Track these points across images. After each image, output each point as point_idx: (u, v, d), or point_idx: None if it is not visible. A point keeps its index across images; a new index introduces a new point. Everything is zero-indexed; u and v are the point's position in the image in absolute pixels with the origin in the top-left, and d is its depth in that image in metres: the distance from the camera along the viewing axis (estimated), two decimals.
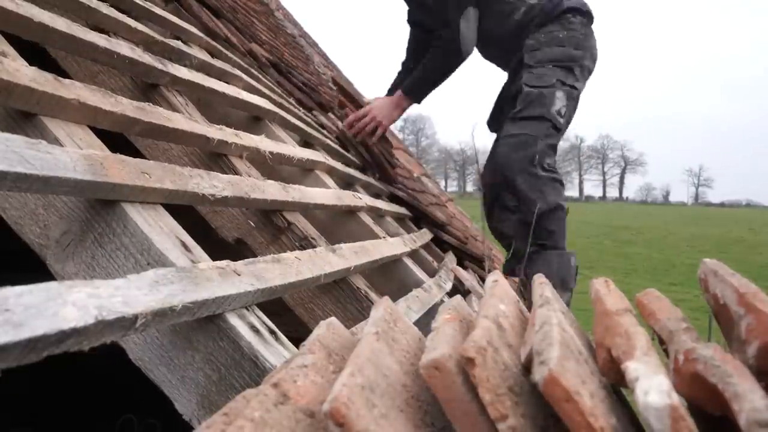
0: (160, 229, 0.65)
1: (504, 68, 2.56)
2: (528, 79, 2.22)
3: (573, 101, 2.24)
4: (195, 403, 0.60)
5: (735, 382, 0.31)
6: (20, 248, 0.72)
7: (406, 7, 2.60)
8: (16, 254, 1.05)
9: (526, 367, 0.39)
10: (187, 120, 0.96)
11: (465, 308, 0.57)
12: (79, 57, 1.00)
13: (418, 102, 2.48)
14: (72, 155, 0.58)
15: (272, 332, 0.66)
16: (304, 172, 1.48)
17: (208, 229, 1.07)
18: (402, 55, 2.80)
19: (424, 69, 2.39)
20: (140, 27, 1.19)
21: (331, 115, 2.59)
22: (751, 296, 0.38)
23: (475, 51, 2.46)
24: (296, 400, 0.38)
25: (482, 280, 2.09)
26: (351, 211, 1.47)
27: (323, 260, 0.89)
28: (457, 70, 2.41)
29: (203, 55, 1.47)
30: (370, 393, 0.37)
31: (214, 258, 0.67)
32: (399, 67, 2.76)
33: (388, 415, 0.37)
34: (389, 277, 1.38)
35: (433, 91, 2.47)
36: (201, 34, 1.65)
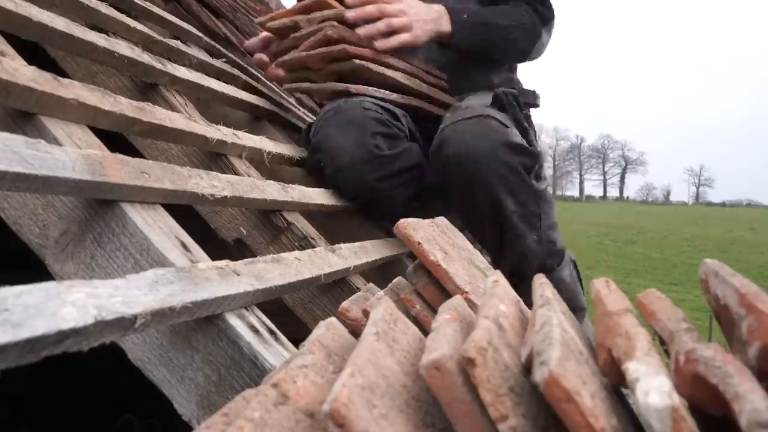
0: (160, 229, 0.65)
1: None
2: None
3: None
4: (194, 404, 0.60)
5: (736, 383, 0.31)
6: (19, 248, 0.72)
7: None
8: (14, 254, 1.05)
9: (527, 368, 0.39)
10: (186, 120, 0.96)
11: (465, 308, 0.57)
12: (78, 57, 1.00)
13: (456, 45, 1.47)
14: (71, 155, 0.57)
15: (272, 332, 0.66)
16: (303, 172, 1.48)
17: (208, 230, 1.07)
18: None
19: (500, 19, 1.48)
20: (139, 26, 1.19)
21: None
22: (752, 297, 0.38)
23: None
24: (296, 400, 0.38)
25: None
26: (351, 211, 1.47)
27: (323, 260, 0.89)
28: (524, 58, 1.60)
29: (203, 55, 1.47)
30: (370, 393, 0.37)
31: (213, 258, 0.67)
32: None
33: (388, 416, 0.37)
34: (389, 277, 1.37)
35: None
36: (200, 34, 1.65)
